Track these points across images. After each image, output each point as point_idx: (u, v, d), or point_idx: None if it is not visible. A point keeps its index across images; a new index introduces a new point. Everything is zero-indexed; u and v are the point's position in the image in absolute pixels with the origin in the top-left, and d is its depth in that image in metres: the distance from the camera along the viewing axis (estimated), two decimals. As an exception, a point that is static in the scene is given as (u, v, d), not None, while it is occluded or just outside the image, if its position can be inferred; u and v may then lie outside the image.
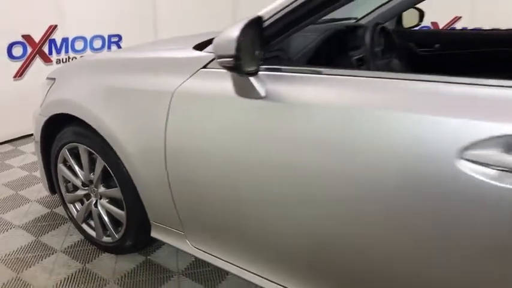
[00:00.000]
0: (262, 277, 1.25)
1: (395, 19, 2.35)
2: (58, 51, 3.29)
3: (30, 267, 1.69)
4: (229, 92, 1.11)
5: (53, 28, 3.20)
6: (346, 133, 0.94)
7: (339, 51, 1.43)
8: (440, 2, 3.92)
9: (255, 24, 1.00)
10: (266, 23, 1.03)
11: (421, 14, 2.36)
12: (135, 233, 1.62)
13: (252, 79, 1.04)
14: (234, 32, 0.91)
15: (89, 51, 3.49)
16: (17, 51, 3.04)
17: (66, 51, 3.35)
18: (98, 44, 3.56)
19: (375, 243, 0.96)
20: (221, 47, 0.95)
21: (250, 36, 0.98)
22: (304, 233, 1.08)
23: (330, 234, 1.03)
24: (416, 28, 2.43)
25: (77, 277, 1.63)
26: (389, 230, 0.93)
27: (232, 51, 0.91)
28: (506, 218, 0.78)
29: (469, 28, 4.19)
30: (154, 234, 1.54)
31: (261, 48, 1.02)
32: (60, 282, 1.60)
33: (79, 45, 3.42)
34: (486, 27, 4.01)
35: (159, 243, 1.82)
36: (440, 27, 4.33)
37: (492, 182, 0.78)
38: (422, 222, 0.88)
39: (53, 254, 1.78)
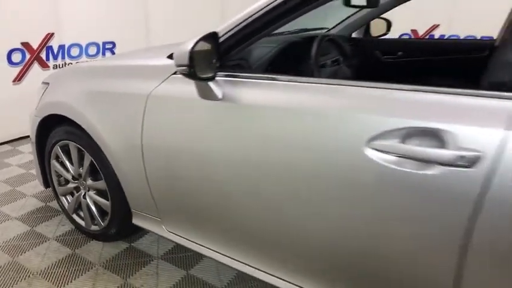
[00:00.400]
0: (232, 258, 1.42)
1: (364, 28, 2.56)
2: (55, 58, 3.49)
3: (25, 252, 1.88)
4: (194, 94, 1.30)
5: (50, 36, 3.40)
6: (285, 130, 1.13)
7: (293, 60, 1.62)
8: (419, 11, 4.13)
9: (212, 38, 1.20)
10: (221, 39, 1.23)
11: (389, 24, 2.57)
12: (118, 221, 1.81)
13: (210, 84, 1.24)
14: (189, 46, 1.11)
15: (84, 58, 3.70)
16: (16, 57, 3.25)
17: (63, 58, 3.56)
18: (92, 50, 3.77)
19: (313, 224, 1.15)
20: (178, 57, 1.15)
21: (206, 48, 1.17)
22: (261, 213, 1.26)
23: (280, 214, 1.22)
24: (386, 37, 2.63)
25: (67, 261, 1.82)
26: (317, 211, 1.12)
27: (186, 61, 1.11)
28: (404, 196, 0.97)
29: (447, 36, 4.40)
30: (135, 221, 1.73)
31: (217, 58, 1.22)
32: (52, 265, 1.79)
33: (75, 51, 3.63)
34: (462, 35, 4.23)
35: (142, 233, 2.01)
36: (420, 34, 4.54)
37: (392, 166, 0.97)
38: (339, 202, 1.07)
39: (46, 241, 1.97)
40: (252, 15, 1.21)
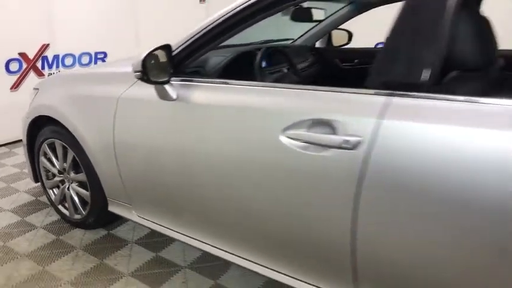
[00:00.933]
0: (193, 238, 1.64)
1: (326, 39, 2.82)
2: (50, 67, 3.77)
3: (15, 238, 2.12)
4: (154, 96, 1.55)
5: (45, 46, 3.68)
6: (224, 124, 1.38)
7: (242, 67, 1.86)
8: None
9: (166, 49, 1.45)
10: (176, 51, 1.49)
11: (350, 35, 2.83)
12: (97, 209, 2.04)
13: (166, 86, 1.49)
14: (143, 55, 1.36)
15: (77, 67, 3.97)
16: (14, 66, 3.52)
17: (57, 67, 3.83)
18: (85, 60, 4.04)
19: (250, 205, 1.38)
20: (135, 65, 1.40)
21: (162, 57, 1.43)
22: (211, 197, 1.49)
23: (226, 197, 1.43)
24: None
25: (51, 245, 2.05)
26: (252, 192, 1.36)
27: (139, 68, 1.36)
28: (309, 172, 1.20)
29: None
30: (110, 208, 1.96)
31: (171, 66, 1.47)
32: (37, 248, 2.02)
33: (68, 61, 3.91)
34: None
35: (120, 222, 2.25)
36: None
37: (301, 151, 1.20)
38: (265, 182, 1.30)
39: (34, 229, 2.21)
40: (200, 31, 1.47)
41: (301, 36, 2.74)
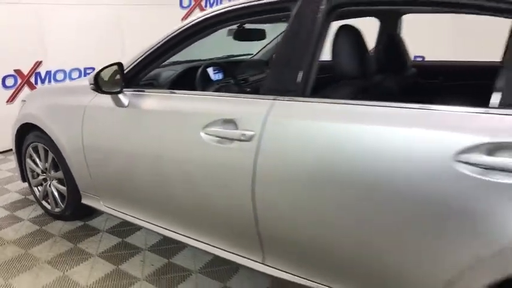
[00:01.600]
0: (148, 222, 1.97)
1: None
2: (43, 82, 4.16)
3: (3, 229, 2.46)
4: (111, 104, 1.90)
5: (38, 63, 4.08)
6: (164, 125, 1.72)
7: (188, 79, 2.21)
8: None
9: (119, 66, 1.81)
10: (128, 68, 1.85)
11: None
12: (72, 202, 2.38)
13: (120, 96, 1.84)
14: (96, 71, 1.72)
15: (68, 81, 4.36)
16: (10, 82, 3.91)
17: (49, 82, 4.22)
18: (75, 75, 4.43)
19: (182, 193, 1.71)
20: (89, 78, 1.76)
21: (115, 72, 1.78)
22: (163, 188, 1.81)
23: (170, 188, 1.76)
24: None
25: (34, 233, 2.40)
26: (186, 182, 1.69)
27: (92, 81, 1.72)
28: (220, 160, 1.53)
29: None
30: (83, 200, 2.30)
31: (123, 80, 1.82)
32: (22, 236, 2.37)
33: (60, 76, 4.30)
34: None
35: (95, 215, 2.58)
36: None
37: (216, 144, 1.54)
38: (188, 173, 1.63)
39: (21, 221, 2.56)
40: (146, 52, 1.83)
41: (259, 52, 3.10)
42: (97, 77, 1.75)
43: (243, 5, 1.62)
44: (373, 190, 1.21)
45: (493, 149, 1.03)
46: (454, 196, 1.08)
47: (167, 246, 2.20)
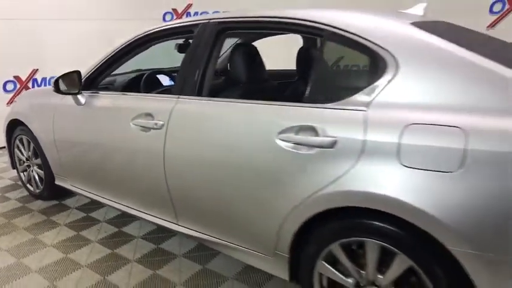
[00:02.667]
0: (105, 198, 2.47)
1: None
2: (39, 87, 4.74)
3: (-6, 205, 3.01)
4: (74, 103, 2.43)
5: (35, 71, 4.67)
6: (113, 119, 2.24)
7: (136, 84, 2.74)
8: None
9: (77, 73, 2.35)
10: (85, 75, 2.38)
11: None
12: (49, 184, 2.92)
13: (78, 96, 2.37)
14: (56, 77, 2.26)
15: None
16: (10, 86, 4.51)
17: (44, 87, 4.80)
18: (69, 80, 5.00)
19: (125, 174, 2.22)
20: (52, 82, 2.29)
21: (74, 77, 2.32)
22: (115, 171, 2.33)
23: (118, 169, 2.28)
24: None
25: (18, 209, 2.94)
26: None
27: (52, 84, 2.26)
28: (145, 149, 2.03)
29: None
30: (56, 181, 2.83)
31: (80, 84, 2.35)
32: (8, 211, 2.91)
33: (54, 81, 4.88)
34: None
35: (68, 196, 3.11)
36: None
37: (142, 132, 2.05)
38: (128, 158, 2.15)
39: (8, 201, 3.11)
40: (100, 62, 2.36)
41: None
42: (57, 81, 2.29)
43: (165, 27, 2.15)
44: (229, 163, 1.70)
45: (298, 130, 1.51)
46: (277, 163, 1.56)
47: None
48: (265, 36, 2.85)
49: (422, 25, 1.47)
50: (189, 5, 5.54)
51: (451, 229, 1.18)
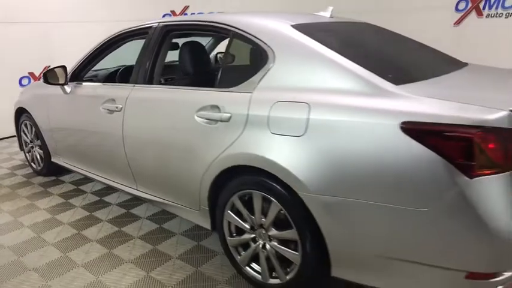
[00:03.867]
0: (89, 172, 2.99)
1: (214, 59, 4.12)
2: (50, 81, 5.35)
3: (2, 180, 3.59)
4: (62, 93, 2.95)
5: (47, 67, 5.27)
6: (85, 106, 2.75)
7: (113, 76, 3.23)
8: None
9: (63, 67, 2.86)
10: (72, 69, 2.90)
11: (233, 57, 4.11)
12: (47, 162, 3.46)
13: (65, 86, 2.89)
14: (45, 71, 2.77)
15: (70, 81, 5.53)
16: (25, 81, 5.14)
17: (56, 81, 5.41)
18: (77, 76, 5.60)
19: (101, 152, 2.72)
20: (42, 75, 2.81)
21: (61, 71, 2.84)
22: (98, 150, 2.84)
23: (99, 149, 2.79)
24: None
25: (22, 183, 3.50)
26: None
27: (42, 76, 2.78)
28: (108, 128, 2.52)
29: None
30: (52, 159, 3.38)
31: (66, 76, 2.87)
32: (14, 184, 3.48)
33: (64, 77, 5.48)
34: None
35: (64, 173, 3.66)
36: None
37: (107, 114, 2.53)
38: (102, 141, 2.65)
39: (15, 176, 3.68)
40: (83, 58, 2.87)
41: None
42: (46, 74, 2.82)
43: (130, 29, 2.63)
44: (164, 137, 2.16)
45: (208, 108, 1.95)
46: (196, 135, 2.00)
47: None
48: (200, 36, 3.16)
49: (301, 27, 1.87)
50: (186, 7, 6.03)
51: (298, 178, 1.59)
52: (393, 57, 1.98)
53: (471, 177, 1.29)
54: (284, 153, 1.64)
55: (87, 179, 3.44)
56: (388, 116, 1.42)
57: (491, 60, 4.05)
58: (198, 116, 1.97)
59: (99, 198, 3.12)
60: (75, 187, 3.37)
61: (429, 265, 1.41)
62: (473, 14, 4.26)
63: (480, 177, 1.29)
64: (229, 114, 1.85)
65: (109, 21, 5.56)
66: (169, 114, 2.15)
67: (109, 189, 3.24)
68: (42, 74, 2.85)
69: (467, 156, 1.29)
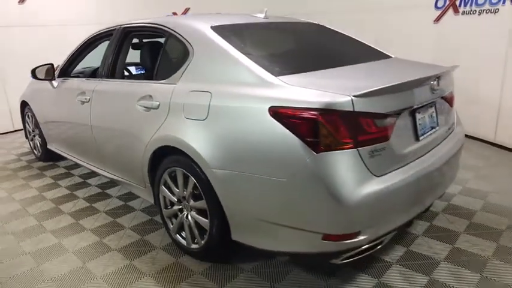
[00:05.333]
0: (75, 157, 3.43)
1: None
2: (62, 79, 5.90)
3: (8, 164, 4.10)
4: (51, 87, 3.39)
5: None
6: (65, 97, 3.16)
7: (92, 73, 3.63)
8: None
9: (50, 65, 3.30)
10: (60, 66, 3.33)
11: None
12: (44, 148, 3.93)
13: (52, 81, 3.33)
14: (33, 68, 3.21)
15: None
16: (39, 78, 5.70)
17: (67, 78, 5.95)
18: (86, 74, 6.13)
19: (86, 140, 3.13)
20: (31, 71, 3.26)
21: (48, 68, 3.27)
22: (80, 137, 3.26)
23: (80, 136, 3.20)
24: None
25: (23, 167, 3.99)
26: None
27: (30, 74, 3.22)
28: (82, 115, 2.91)
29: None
30: (48, 146, 3.83)
31: (53, 72, 3.30)
32: (17, 167, 3.98)
33: (74, 75, 6.02)
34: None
35: (59, 160, 4.12)
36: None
37: (80, 105, 2.93)
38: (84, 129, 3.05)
39: (20, 161, 4.18)
40: (68, 57, 3.29)
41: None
42: (34, 70, 3.26)
43: (101, 31, 3.01)
44: (114, 123, 2.52)
45: (145, 97, 2.28)
46: (137, 121, 2.34)
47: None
48: (150, 37, 3.25)
49: (218, 27, 2.16)
50: (187, 9, 6.41)
51: (201, 156, 1.88)
52: (293, 52, 2.26)
53: (317, 152, 1.54)
54: (192, 135, 1.94)
55: (77, 164, 3.88)
56: (262, 102, 1.69)
57: (466, 56, 4.14)
58: (138, 105, 2.31)
59: (82, 180, 3.53)
60: (66, 171, 3.81)
61: (293, 227, 1.67)
62: (451, 11, 4.34)
63: (325, 153, 1.54)
64: (158, 102, 2.18)
65: (115, 23, 6.04)
66: (120, 104, 2.51)
67: (94, 174, 3.65)
68: (31, 71, 3.29)
69: (313, 134, 1.54)
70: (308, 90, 1.63)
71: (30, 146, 4.33)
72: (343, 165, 1.55)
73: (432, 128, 2.02)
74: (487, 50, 4.00)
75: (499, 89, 3.93)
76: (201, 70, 2.05)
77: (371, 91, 1.55)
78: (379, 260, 2.14)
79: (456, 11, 4.31)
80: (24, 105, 4.15)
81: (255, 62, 1.86)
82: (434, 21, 4.53)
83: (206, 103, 1.89)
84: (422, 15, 4.60)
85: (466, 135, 4.37)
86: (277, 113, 1.63)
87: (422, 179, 1.81)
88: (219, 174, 1.84)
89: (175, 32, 2.26)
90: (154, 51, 2.56)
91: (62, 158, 4.07)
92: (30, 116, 4.06)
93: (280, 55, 2.14)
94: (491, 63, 3.94)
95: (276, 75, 1.78)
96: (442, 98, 2.15)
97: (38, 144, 4.07)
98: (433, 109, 2.03)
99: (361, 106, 1.56)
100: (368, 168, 1.59)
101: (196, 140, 1.92)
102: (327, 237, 1.62)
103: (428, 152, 1.96)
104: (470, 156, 3.74)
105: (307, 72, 1.89)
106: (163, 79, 2.24)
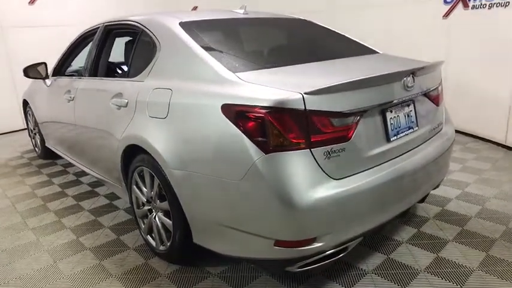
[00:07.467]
0: (75, 161, 3.46)
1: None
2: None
3: (10, 161, 4.19)
4: (45, 86, 3.42)
5: (68, 65, 5.93)
6: (55, 95, 3.19)
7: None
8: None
9: (43, 64, 3.33)
10: (55, 65, 3.36)
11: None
12: (42, 146, 3.99)
13: (46, 80, 3.36)
14: (25, 66, 3.25)
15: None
16: (49, 78, 5.82)
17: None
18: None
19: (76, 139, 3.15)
20: (23, 70, 3.30)
21: (41, 67, 3.31)
22: (71, 136, 3.28)
23: (74, 135, 3.23)
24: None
25: (24, 164, 4.07)
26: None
27: (23, 71, 3.26)
28: (68, 112, 2.92)
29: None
30: (46, 144, 3.89)
31: (46, 71, 3.33)
32: (18, 164, 4.05)
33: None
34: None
35: (56, 158, 4.17)
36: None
37: (67, 102, 2.94)
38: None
39: (22, 158, 4.27)
40: (60, 57, 3.32)
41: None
42: (25, 69, 3.30)
43: (88, 30, 3.01)
44: (91, 120, 2.51)
45: (117, 95, 2.25)
46: (110, 119, 2.31)
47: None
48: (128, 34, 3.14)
49: (186, 24, 2.09)
50: (195, 7, 6.39)
51: (161, 155, 1.82)
52: (264, 48, 2.15)
53: (266, 152, 1.44)
54: (154, 134, 1.88)
55: (66, 166, 3.91)
56: (216, 99, 1.61)
57: (476, 51, 3.90)
58: (111, 103, 2.28)
59: (76, 178, 3.56)
60: (63, 168, 3.86)
61: (247, 232, 1.58)
62: (460, 5, 4.10)
63: (275, 153, 1.44)
64: (126, 100, 2.13)
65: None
66: (96, 102, 2.49)
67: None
68: (23, 70, 3.34)
69: (262, 134, 1.45)
70: (260, 87, 1.53)
71: (32, 144, 4.42)
72: (294, 166, 1.44)
73: (410, 128, 1.87)
74: (497, 45, 3.75)
75: (511, 86, 3.68)
76: (165, 67, 1.99)
77: (324, 88, 1.44)
78: (354, 268, 2.02)
79: (466, 5, 4.07)
80: (25, 103, 4.23)
81: (216, 58, 1.78)
82: (444, 16, 4.31)
83: (167, 101, 1.83)
84: (432, 11, 4.38)
85: (476, 137, 4.18)
86: (227, 110, 1.54)
87: (392, 183, 1.68)
88: (177, 174, 1.77)
89: (146, 28, 2.21)
90: (128, 49, 2.53)
91: (60, 156, 4.12)
92: (30, 115, 4.13)
93: (248, 51, 2.05)
94: (503, 59, 3.70)
95: (234, 72, 1.69)
96: (425, 95, 2.00)
97: (38, 143, 4.14)
98: (410, 108, 1.89)
99: (314, 104, 1.45)
100: (324, 171, 1.48)
101: (157, 139, 1.86)
102: (278, 243, 1.52)
103: (404, 153, 1.82)
104: (475, 158, 3.52)
105: (271, 69, 1.79)
106: (134, 76, 2.20)
